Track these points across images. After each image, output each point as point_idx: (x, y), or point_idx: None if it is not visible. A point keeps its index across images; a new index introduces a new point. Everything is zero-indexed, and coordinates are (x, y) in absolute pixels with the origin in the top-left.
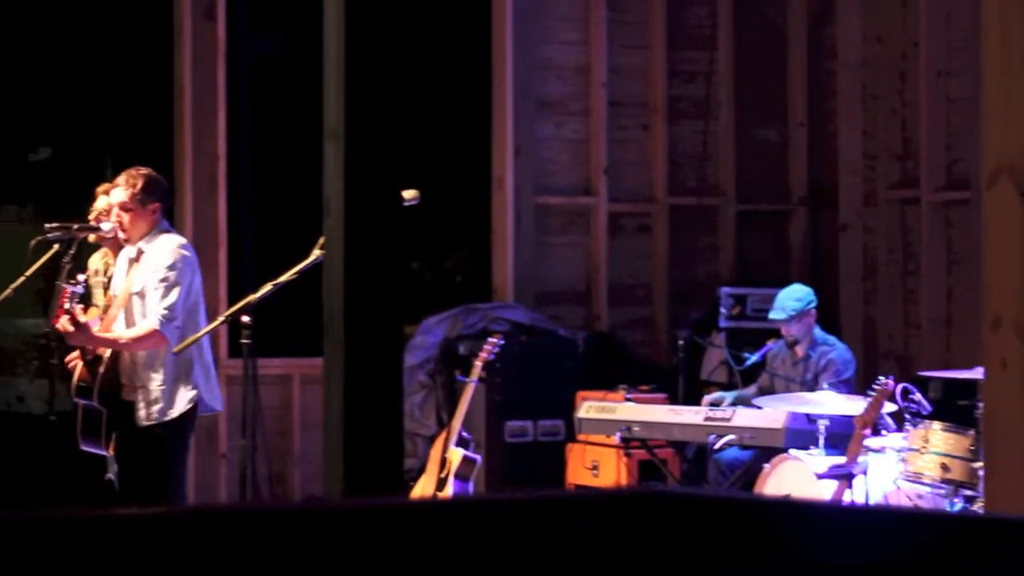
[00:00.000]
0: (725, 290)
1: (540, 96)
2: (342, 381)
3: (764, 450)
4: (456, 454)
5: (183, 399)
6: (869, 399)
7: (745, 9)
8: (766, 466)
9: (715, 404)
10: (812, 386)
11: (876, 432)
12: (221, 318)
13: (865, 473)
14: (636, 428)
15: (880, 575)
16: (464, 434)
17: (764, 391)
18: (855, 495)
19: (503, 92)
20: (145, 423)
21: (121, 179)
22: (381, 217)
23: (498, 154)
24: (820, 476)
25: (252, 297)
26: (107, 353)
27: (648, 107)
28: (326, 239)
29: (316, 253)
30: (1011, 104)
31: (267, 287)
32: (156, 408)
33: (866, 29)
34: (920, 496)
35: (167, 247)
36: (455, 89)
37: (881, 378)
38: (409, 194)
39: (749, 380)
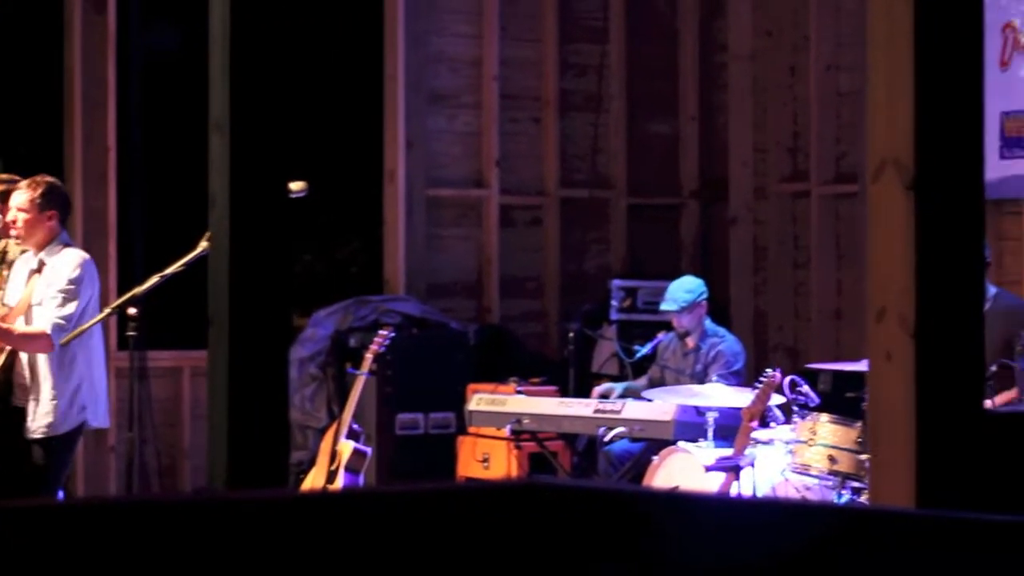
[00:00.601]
0: (616, 283)
1: (432, 89)
2: (226, 373)
3: (654, 442)
4: (346, 447)
5: (72, 417)
6: (756, 391)
7: (637, 3)
8: (655, 458)
9: (605, 396)
10: (702, 378)
11: (765, 424)
12: (108, 310)
13: (753, 465)
14: (526, 421)
15: (767, 566)
16: (355, 427)
17: (654, 383)
18: (742, 487)
19: (395, 85)
20: (32, 435)
21: (25, 183)
22: (266, 209)
23: (390, 147)
24: (708, 468)
25: (138, 289)
26: (2, 358)
27: (540, 100)
28: (211, 231)
29: (203, 245)
30: (896, 98)
31: (153, 279)
32: (44, 422)
33: (756, 22)
34: (808, 488)
35: (71, 260)
36: (348, 82)
37: (768, 370)
38: (296, 186)
39: (640, 372)
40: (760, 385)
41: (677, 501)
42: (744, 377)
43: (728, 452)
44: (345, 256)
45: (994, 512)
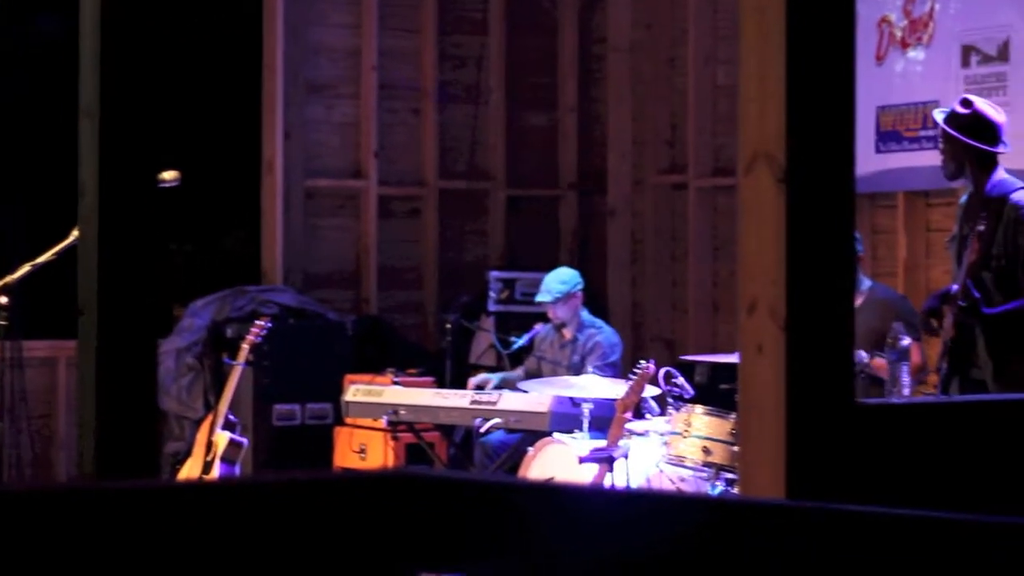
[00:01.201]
0: (494, 274)
1: (310, 79)
2: (95, 363)
3: (530, 433)
4: (222, 437)
5: None
6: (630, 383)
7: None
8: (530, 449)
9: (481, 387)
10: (579, 369)
11: (640, 416)
12: None
13: (626, 456)
14: (402, 412)
15: (641, 557)
16: (230, 417)
17: (531, 374)
18: (616, 478)
19: (273, 75)
20: None
21: None
22: (136, 198)
23: (268, 137)
24: (581, 459)
25: (9, 278)
26: None
27: (419, 91)
28: (80, 220)
29: (75, 234)
30: (767, 91)
31: (25, 268)
32: None
33: (635, 15)
34: (683, 479)
35: None
36: (226, 72)
37: (642, 362)
38: (168, 175)
39: (518, 363)
40: (634, 377)
41: (550, 493)
42: (621, 368)
43: (603, 443)
44: (225, 247)
45: (864, 504)
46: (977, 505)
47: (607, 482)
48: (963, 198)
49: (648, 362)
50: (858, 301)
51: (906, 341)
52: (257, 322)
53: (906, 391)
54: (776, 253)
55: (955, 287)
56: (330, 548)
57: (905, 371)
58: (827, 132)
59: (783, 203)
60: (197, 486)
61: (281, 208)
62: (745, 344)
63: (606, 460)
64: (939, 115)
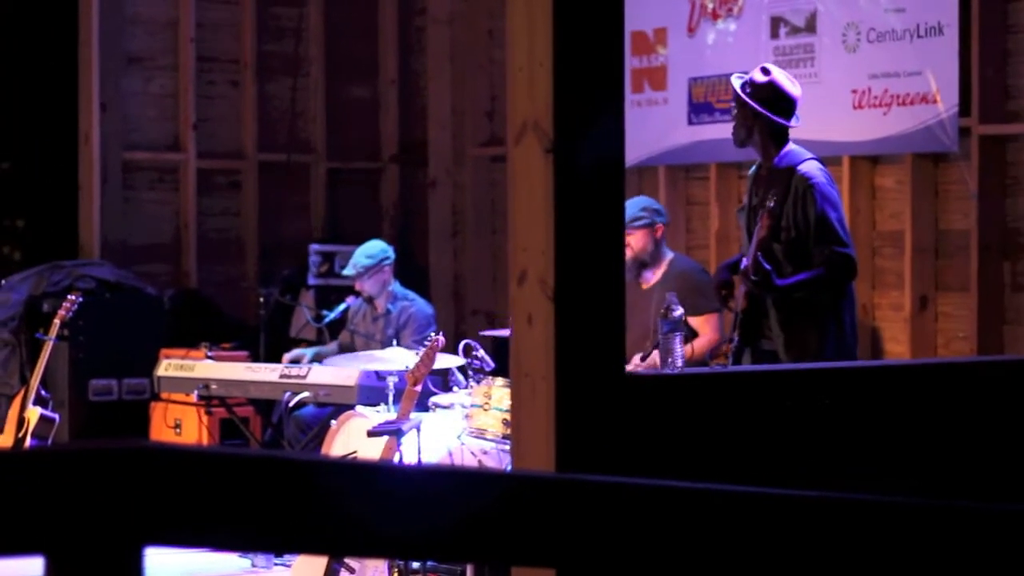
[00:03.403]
0: (314, 247)
1: (127, 51)
2: None
3: (340, 407)
4: (34, 413)
5: None
6: (419, 355)
7: None
8: (334, 423)
9: (295, 361)
10: (394, 342)
11: (448, 388)
12: None
13: (418, 429)
14: (214, 386)
15: (425, 533)
16: (42, 392)
17: (344, 348)
18: (406, 452)
19: (89, 47)
20: None
21: None
22: None
23: (84, 110)
24: (370, 432)
25: None
26: None
27: (238, 63)
28: None
29: None
30: (535, 62)
31: None
32: None
33: None
34: (484, 452)
35: None
36: (41, 46)
37: (432, 334)
38: None
39: (337, 337)
40: (423, 349)
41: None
42: None
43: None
44: (43, 221)
45: (634, 475)
46: (752, 476)
47: (397, 456)
48: (752, 169)
49: (437, 334)
50: (659, 273)
51: (679, 311)
52: (69, 296)
53: (679, 362)
54: (545, 224)
55: (746, 261)
56: (54, 521)
57: (678, 342)
58: (596, 103)
59: (551, 174)
60: None
61: (98, 181)
62: (516, 315)
63: (395, 433)
64: (736, 81)
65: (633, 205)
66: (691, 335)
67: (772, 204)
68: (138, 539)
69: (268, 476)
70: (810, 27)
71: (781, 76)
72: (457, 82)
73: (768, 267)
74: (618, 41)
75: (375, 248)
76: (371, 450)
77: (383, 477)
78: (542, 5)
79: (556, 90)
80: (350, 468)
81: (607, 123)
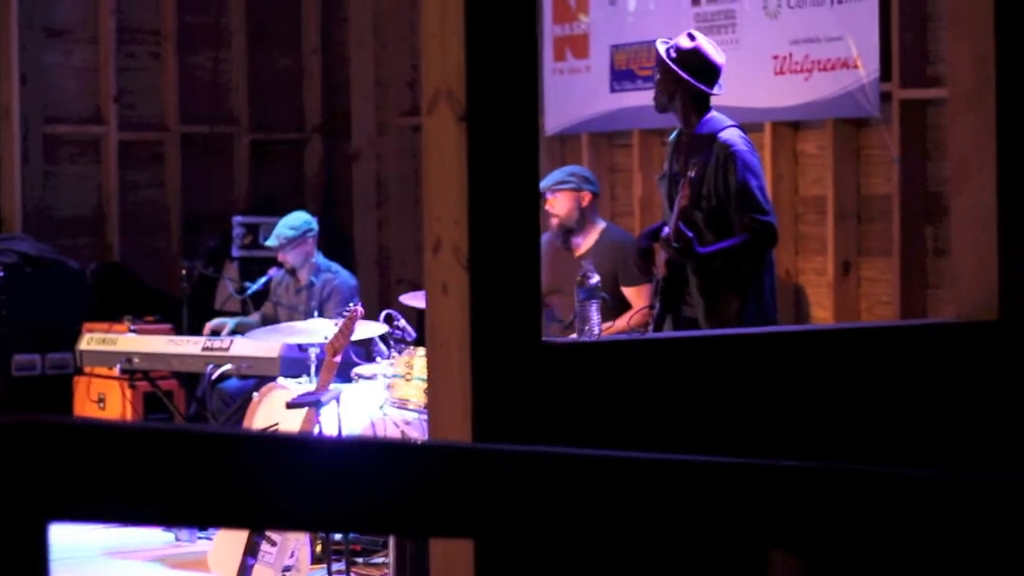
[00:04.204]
0: (238, 219)
1: (47, 23)
2: None
3: (263, 379)
4: None
5: None
6: (337, 325)
7: None
8: (255, 395)
9: (216, 333)
10: (317, 314)
11: (371, 359)
12: None
13: (337, 400)
14: (136, 360)
15: (345, 507)
16: None
17: (267, 320)
18: (329, 423)
19: (7, 19)
20: None
21: None
22: None
23: (4, 82)
24: (288, 404)
25: None
26: None
27: (159, 35)
28: None
29: None
30: (447, 28)
31: None
32: None
33: None
34: (408, 422)
35: None
36: None
37: (351, 304)
38: None
39: (261, 308)
40: (342, 319)
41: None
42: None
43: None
44: None
45: (553, 444)
46: (671, 444)
47: (316, 428)
48: (672, 135)
49: (355, 304)
50: (591, 241)
51: (595, 279)
52: None
53: (596, 330)
54: (458, 193)
55: (667, 229)
56: None
57: (594, 309)
58: (509, 70)
59: (464, 142)
60: None
61: (19, 154)
62: (430, 284)
63: (313, 404)
64: (661, 46)
65: (561, 171)
66: (625, 306)
67: (693, 174)
68: (41, 513)
69: (174, 450)
70: None
71: (706, 43)
72: (379, 52)
73: (690, 235)
74: (531, 8)
75: (298, 219)
76: (292, 422)
77: (294, 450)
78: None
79: (468, 58)
80: (260, 440)
81: (521, 91)
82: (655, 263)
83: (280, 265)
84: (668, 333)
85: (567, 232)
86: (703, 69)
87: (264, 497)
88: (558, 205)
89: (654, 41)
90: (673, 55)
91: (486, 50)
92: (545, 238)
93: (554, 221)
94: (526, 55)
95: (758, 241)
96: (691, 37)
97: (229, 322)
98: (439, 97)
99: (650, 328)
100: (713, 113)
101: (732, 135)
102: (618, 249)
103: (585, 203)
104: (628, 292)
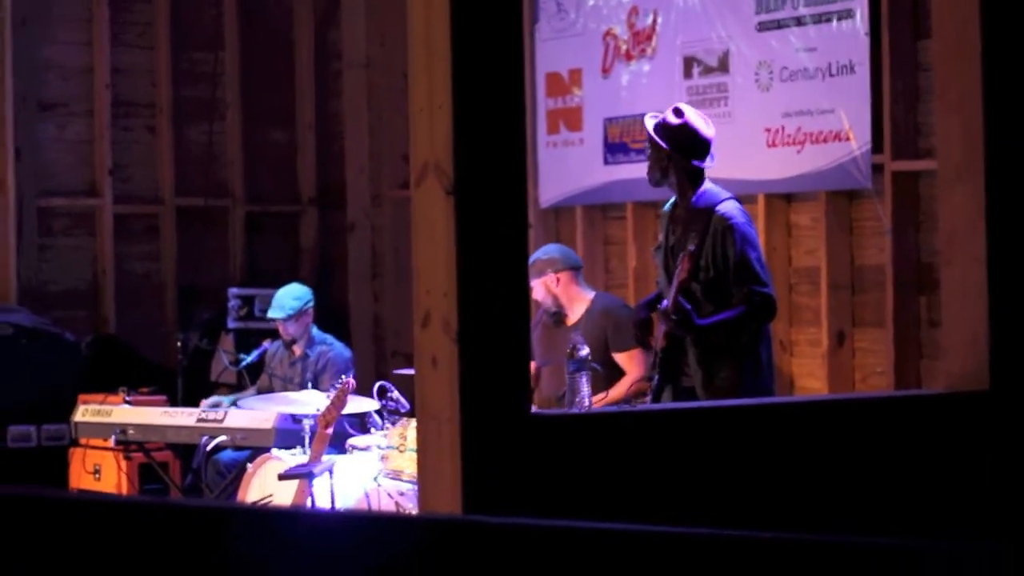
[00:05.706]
0: (233, 291)
1: (42, 97)
2: None
3: (257, 450)
4: None
5: None
6: (330, 398)
7: (251, 11)
8: (250, 466)
9: (215, 406)
10: (313, 386)
11: (366, 430)
12: None
13: (331, 472)
14: (131, 431)
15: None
16: None
17: (263, 392)
18: (322, 494)
19: (2, 93)
20: None
21: None
22: None
23: None
24: (280, 476)
25: None
26: None
27: (154, 108)
28: None
29: None
30: (435, 102)
31: None
32: None
33: (370, 30)
34: (402, 493)
35: None
36: None
37: (343, 376)
38: None
39: (257, 380)
40: (334, 392)
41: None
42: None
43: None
44: None
45: (542, 516)
46: (662, 516)
47: (309, 499)
48: (666, 206)
49: (347, 377)
50: (579, 312)
51: (584, 351)
52: None
53: (586, 401)
54: (447, 266)
55: (666, 302)
56: None
57: (584, 381)
58: (497, 143)
59: (452, 215)
60: None
61: (14, 228)
62: (420, 357)
63: (306, 476)
64: (650, 121)
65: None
66: (617, 373)
67: (693, 247)
68: None
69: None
70: (723, 66)
71: (694, 117)
72: (374, 125)
73: (688, 307)
74: (518, 81)
75: (299, 291)
76: (285, 493)
77: (281, 523)
78: (440, 47)
79: (456, 131)
80: (247, 515)
81: (509, 163)
82: (653, 334)
83: (276, 337)
84: (656, 405)
85: (554, 315)
86: (693, 143)
87: (255, 572)
88: (534, 293)
89: (647, 114)
90: (662, 131)
91: (474, 124)
92: (538, 313)
93: (537, 306)
94: (514, 128)
95: (757, 312)
96: (678, 112)
97: (226, 400)
98: (427, 170)
99: (647, 399)
100: (708, 185)
101: (730, 207)
102: (607, 315)
103: (557, 286)
104: (619, 358)
